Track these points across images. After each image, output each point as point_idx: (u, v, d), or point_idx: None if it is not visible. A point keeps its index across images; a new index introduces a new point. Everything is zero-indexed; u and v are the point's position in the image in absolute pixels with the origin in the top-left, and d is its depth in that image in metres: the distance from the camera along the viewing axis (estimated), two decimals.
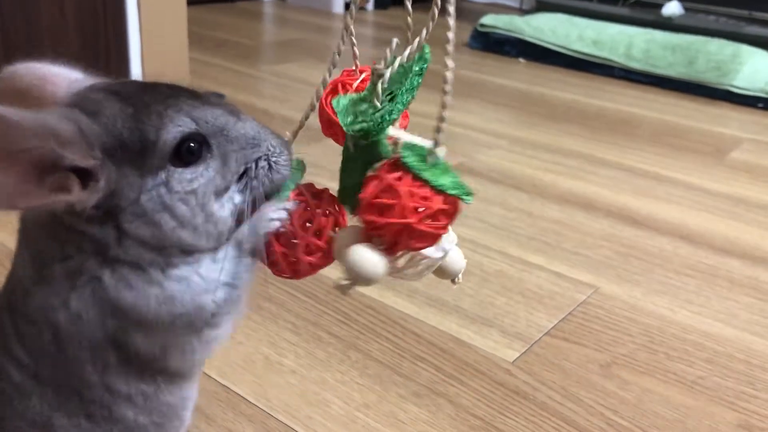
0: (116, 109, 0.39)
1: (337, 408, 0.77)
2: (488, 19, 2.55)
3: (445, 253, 0.48)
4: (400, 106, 0.44)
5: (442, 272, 0.49)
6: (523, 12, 3.19)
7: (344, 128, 0.45)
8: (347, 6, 0.47)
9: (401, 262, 0.47)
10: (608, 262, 1.13)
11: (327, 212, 0.47)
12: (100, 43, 1.52)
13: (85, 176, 0.37)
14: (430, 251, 0.46)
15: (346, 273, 0.44)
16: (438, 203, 0.42)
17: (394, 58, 0.47)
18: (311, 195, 0.48)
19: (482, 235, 1.18)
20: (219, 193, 0.41)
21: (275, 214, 0.45)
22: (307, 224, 0.47)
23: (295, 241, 0.46)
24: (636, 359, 0.89)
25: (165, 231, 0.39)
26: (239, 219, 0.43)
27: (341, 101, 0.48)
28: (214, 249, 0.42)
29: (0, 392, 0.42)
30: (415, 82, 0.45)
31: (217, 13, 2.93)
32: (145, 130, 0.38)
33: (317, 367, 0.83)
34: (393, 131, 0.46)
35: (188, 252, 0.41)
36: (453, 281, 0.50)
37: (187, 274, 0.41)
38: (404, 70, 0.45)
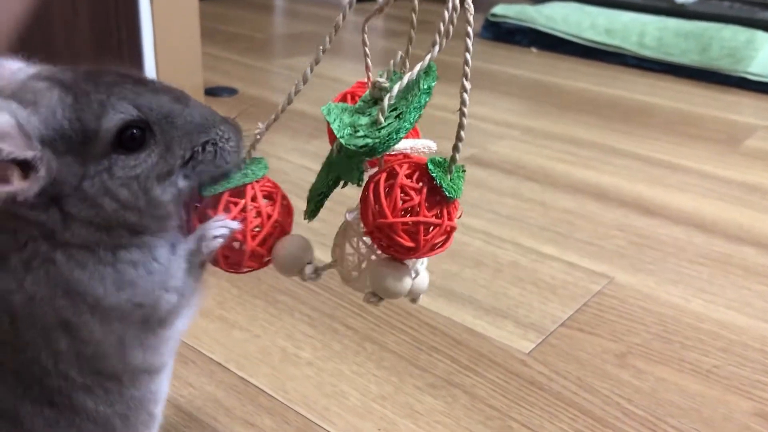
0: (56, 98, 0.39)
1: (353, 399, 0.78)
2: (499, 9, 2.54)
3: (417, 274, 0.48)
4: (407, 125, 0.43)
5: (409, 291, 0.49)
6: (534, 1, 3.17)
7: (342, 141, 0.43)
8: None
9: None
10: (622, 251, 1.13)
11: (276, 221, 0.47)
12: (113, 38, 1.53)
13: (25, 167, 0.38)
14: None
15: (374, 289, 0.45)
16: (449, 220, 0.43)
17: (398, 74, 0.46)
18: (264, 196, 0.47)
19: (495, 226, 1.19)
20: (161, 178, 0.42)
21: (219, 231, 0.44)
22: (255, 229, 0.46)
23: (238, 247, 0.46)
24: (651, 349, 0.89)
25: (108, 213, 0.40)
26: (185, 203, 0.44)
27: (331, 108, 0.47)
28: (162, 232, 0.43)
29: None
30: (423, 101, 0.43)
31: (229, 7, 2.94)
32: (85, 119, 0.39)
33: (333, 359, 0.84)
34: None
35: (136, 232, 0.41)
36: (413, 301, 0.50)
37: (142, 259, 0.42)
38: (408, 86, 0.44)
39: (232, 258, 0.47)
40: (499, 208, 1.26)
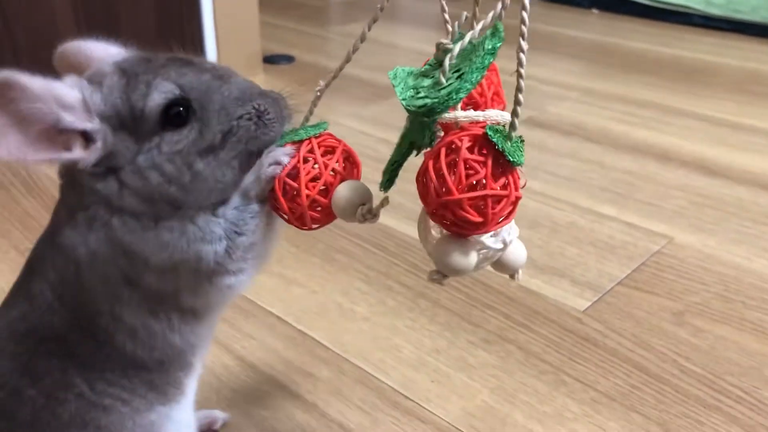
0: (115, 80, 0.44)
1: (407, 353, 0.80)
2: None
3: (505, 245, 0.45)
4: (468, 85, 0.41)
5: (502, 266, 0.46)
6: None
7: (403, 103, 0.42)
8: None
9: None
10: (682, 212, 1.10)
11: (334, 170, 0.47)
12: (174, 6, 1.56)
13: (86, 138, 0.43)
14: (490, 242, 0.44)
15: (437, 266, 0.44)
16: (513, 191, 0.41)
17: (461, 34, 0.44)
18: (324, 151, 0.47)
19: (552, 188, 1.18)
20: (203, 153, 0.44)
21: (275, 158, 0.46)
22: (314, 181, 0.46)
23: (299, 196, 0.46)
24: (710, 308, 0.88)
25: (153, 185, 0.44)
26: (236, 174, 0.46)
27: (398, 72, 0.45)
28: (207, 205, 0.46)
29: (34, 308, 0.48)
30: (487, 62, 0.41)
31: None
32: (134, 99, 0.43)
33: (388, 315, 0.86)
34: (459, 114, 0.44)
35: (177, 206, 0.45)
36: (512, 277, 0.47)
37: (179, 224, 0.45)
38: (473, 47, 0.42)
39: (296, 209, 0.47)
40: (557, 169, 1.25)
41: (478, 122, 0.44)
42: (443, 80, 0.42)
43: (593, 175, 1.23)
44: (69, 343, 0.48)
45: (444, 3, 0.48)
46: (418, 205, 0.43)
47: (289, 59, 1.84)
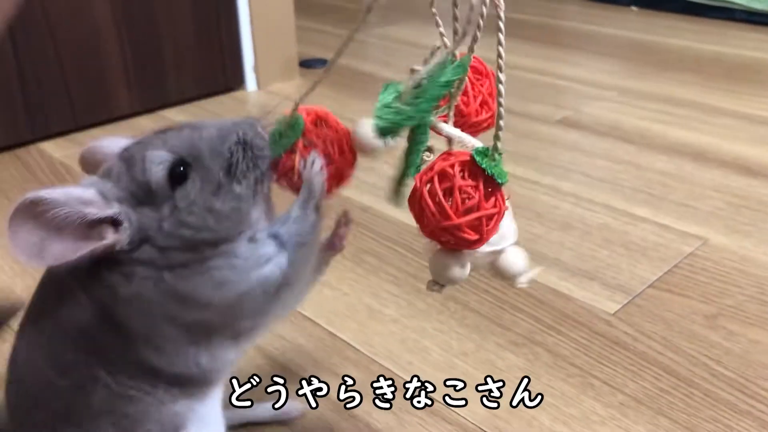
0: (119, 167, 0.49)
1: (436, 355, 0.81)
2: None
3: (496, 250, 0.48)
4: (419, 114, 0.46)
5: (499, 273, 0.49)
6: None
7: (373, 120, 0.47)
8: None
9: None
10: (718, 213, 1.09)
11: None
12: (211, 14, 1.59)
13: (113, 224, 0.48)
14: (482, 250, 0.48)
15: (435, 278, 0.49)
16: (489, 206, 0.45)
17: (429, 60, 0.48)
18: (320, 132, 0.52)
19: (586, 189, 1.17)
20: (215, 192, 0.49)
21: (314, 165, 0.52)
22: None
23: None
24: (744, 311, 0.87)
25: (187, 238, 0.48)
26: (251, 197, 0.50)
27: (388, 88, 0.49)
28: (242, 232, 0.50)
29: (65, 303, 0.51)
30: (437, 92, 0.46)
31: None
32: (137, 176, 0.48)
33: (417, 317, 0.87)
34: (443, 127, 0.49)
35: (216, 245, 0.49)
36: (513, 283, 0.50)
37: (225, 261, 0.49)
38: (440, 75, 0.47)
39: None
40: (591, 170, 1.24)
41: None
42: (399, 105, 0.47)
43: (627, 176, 1.22)
44: (94, 340, 0.51)
45: (438, 19, 0.51)
46: None
47: (324, 63, 1.86)
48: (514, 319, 0.86)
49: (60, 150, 1.37)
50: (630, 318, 0.86)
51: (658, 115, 1.48)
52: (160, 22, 1.51)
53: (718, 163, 1.25)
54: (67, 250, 0.46)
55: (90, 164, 0.53)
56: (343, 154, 0.53)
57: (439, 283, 0.48)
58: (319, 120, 0.53)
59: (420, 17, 2.24)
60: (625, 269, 0.96)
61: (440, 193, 0.45)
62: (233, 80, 1.69)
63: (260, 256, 0.50)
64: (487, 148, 0.46)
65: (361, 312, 0.88)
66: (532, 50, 1.89)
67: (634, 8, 2.35)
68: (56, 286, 0.52)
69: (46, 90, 1.38)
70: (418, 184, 0.47)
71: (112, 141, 0.53)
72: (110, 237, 0.47)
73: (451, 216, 0.45)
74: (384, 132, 0.46)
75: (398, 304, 0.89)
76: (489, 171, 0.44)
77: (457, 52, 0.48)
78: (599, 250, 1.00)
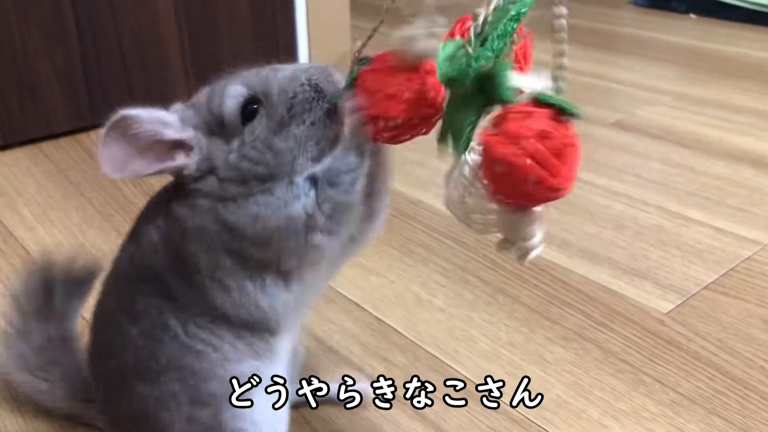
0: (201, 97, 0.52)
1: (482, 344, 0.80)
2: None
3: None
4: (488, 53, 0.42)
5: (510, 228, 0.46)
6: None
7: (439, 77, 0.44)
8: None
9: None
10: None
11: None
12: (268, 9, 1.62)
13: (186, 148, 0.51)
14: None
15: (506, 235, 0.46)
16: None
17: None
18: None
19: (639, 190, 1.15)
20: (277, 131, 0.50)
21: (346, 102, 0.50)
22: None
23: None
24: None
25: (244, 171, 0.50)
26: (319, 137, 0.51)
27: (447, 48, 0.46)
28: (290, 174, 0.51)
29: (140, 249, 0.54)
30: (509, 28, 0.42)
31: None
32: (214, 108, 0.51)
33: (465, 307, 0.86)
34: (515, 77, 0.44)
35: (263, 181, 0.50)
36: (524, 252, 0.46)
37: (262, 197, 0.50)
38: (504, 13, 0.43)
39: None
40: (645, 172, 1.22)
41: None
42: (469, 48, 0.43)
43: (682, 180, 1.19)
44: (166, 284, 0.52)
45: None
46: None
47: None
48: (564, 314, 0.85)
49: None
50: (684, 318, 0.84)
51: (715, 120, 1.45)
52: (219, 17, 1.53)
53: None
54: (143, 167, 0.50)
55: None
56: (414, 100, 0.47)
57: (510, 241, 0.46)
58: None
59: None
60: (678, 270, 0.94)
61: (547, 152, 0.40)
62: None
63: (292, 195, 0.51)
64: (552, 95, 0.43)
65: (408, 300, 0.88)
66: (585, 54, 1.87)
67: (692, 16, 2.31)
68: (134, 233, 0.55)
69: (108, 77, 1.41)
70: (511, 147, 0.41)
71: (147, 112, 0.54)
72: (180, 159, 0.51)
73: (563, 173, 0.41)
74: (453, 82, 0.43)
75: (446, 295, 0.89)
76: (568, 109, 0.41)
77: None
78: (652, 250, 0.98)
